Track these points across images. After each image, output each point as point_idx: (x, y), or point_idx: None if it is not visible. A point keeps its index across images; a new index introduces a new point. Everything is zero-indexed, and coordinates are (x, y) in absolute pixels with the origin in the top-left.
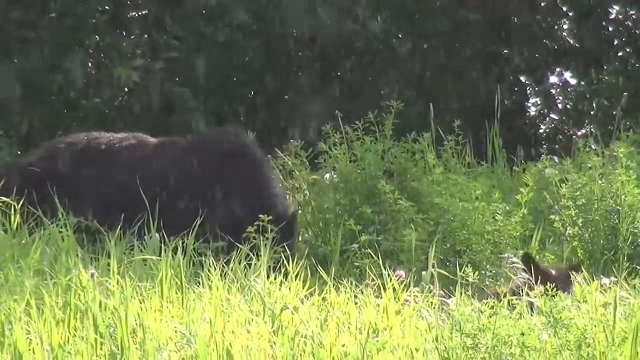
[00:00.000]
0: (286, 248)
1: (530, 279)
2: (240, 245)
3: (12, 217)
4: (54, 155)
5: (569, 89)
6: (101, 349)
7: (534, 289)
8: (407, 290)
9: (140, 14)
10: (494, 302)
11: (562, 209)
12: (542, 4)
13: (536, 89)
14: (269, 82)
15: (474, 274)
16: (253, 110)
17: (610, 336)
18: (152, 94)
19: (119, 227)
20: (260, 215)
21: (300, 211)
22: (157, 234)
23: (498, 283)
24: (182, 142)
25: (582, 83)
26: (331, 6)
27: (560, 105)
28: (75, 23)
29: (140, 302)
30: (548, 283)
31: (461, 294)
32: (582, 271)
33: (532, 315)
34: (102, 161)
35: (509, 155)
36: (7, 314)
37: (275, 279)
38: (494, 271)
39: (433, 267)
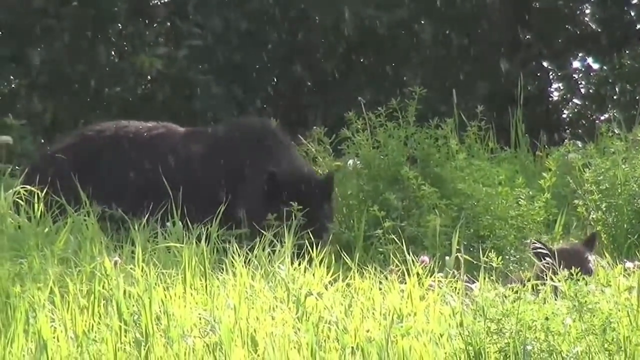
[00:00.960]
0: (326, 207)
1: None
2: (265, 233)
3: (37, 205)
4: (82, 143)
5: (591, 74)
6: (125, 336)
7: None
8: (431, 276)
9: (163, 2)
10: (518, 287)
11: (585, 194)
12: None
13: (559, 74)
14: (292, 69)
15: (497, 259)
16: (276, 97)
17: (635, 320)
18: (175, 81)
19: (145, 215)
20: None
21: None
22: (180, 222)
23: (522, 268)
24: (211, 132)
25: (605, 68)
26: None
27: (582, 90)
28: (98, 12)
29: (165, 290)
30: (563, 262)
31: (485, 279)
32: (597, 244)
33: (556, 299)
34: (130, 149)
35: (532, 140)
36: (31, 302)
37: (299, 265)
38: (517, 256)
39: (457, 252)
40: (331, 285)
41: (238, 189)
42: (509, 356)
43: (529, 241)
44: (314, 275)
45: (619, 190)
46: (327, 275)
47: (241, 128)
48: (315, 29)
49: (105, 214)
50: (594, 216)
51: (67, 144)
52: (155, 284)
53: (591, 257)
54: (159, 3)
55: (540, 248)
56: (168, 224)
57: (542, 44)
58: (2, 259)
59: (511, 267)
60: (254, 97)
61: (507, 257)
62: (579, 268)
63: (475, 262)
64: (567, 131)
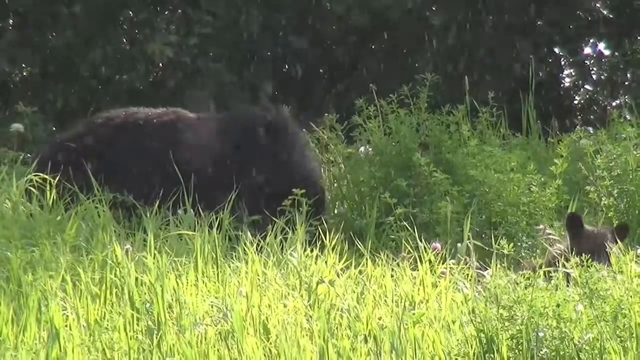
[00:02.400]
0: (318, 221)
1: (573, 241)
2: (275, 219)
3: (49, 193)
4: (92, 131)
5: (603, 60)
6: (137, 324)
7: (570, 257)
8: (443, 263)
9: None
10: (529, 274)
11: (597, 180)
12: None
13: (570, 60)
14: (304, 56)
15: (509, 245)
16: (287, 85)
17: None
18: (186, 69)
19: (156, 202)
20: (294, 190)
21: (335, 184)
22: (191, 209)
23: (534, 254)
24: (221, 118)
25: (616, 54)
26: None
27: (594, 76)
28: None
29: (177, 278)
30: (590, 245)
31: (497, 265)
32: (628, 233)
33: (568, 286)
34: (140, 136)
35: (544, 126)
36: (43, 290)
37: (311, 252)
38: (529, 243)
39: (469, 239)
40: (343, 272)
41: (247, 176)
42: (521, 343)
43: (541, 227)
44: (326, 262)
45: (631, 177)
46: (339, 262)
47: (250, 116)
48: (326, 16)
49: (117, 200)
50: (605, 202)
51: (77, 133)
52: (167, 272)
53: (611, 245)
54: None
55: (551, 234)
56: (180, 211)
57: (553, 30)
58: (14, 247)
59: (523, 254)
60: (265, 84)
61: (519, 243)
62: (591, 252)
63: (487, 249)
64: (579, 117)
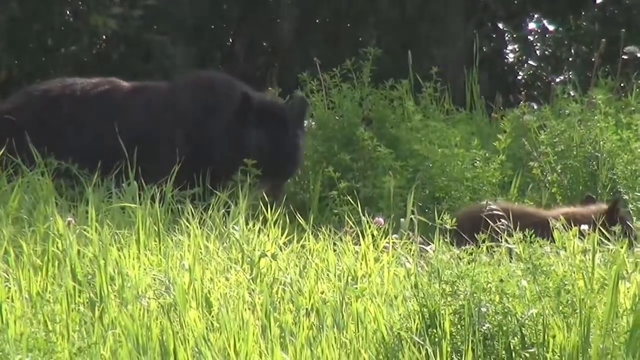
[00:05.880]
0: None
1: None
2: (218, 193)
3: None
4: (29, 102)
5: (547, 36)
6: (79, 296)
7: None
8: (386, 237)
9: None
10: (472, 249)
11: (540, 156)
12: None
13: (514, 35)
14: (247, 29)
15: (452, 220)
16: (231, 58)
17: (590, 283)
18: (131, 41)
19: (97, 174)
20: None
21: None
22: (135, 182)
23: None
24: (157, 86)
25: (561, 29)
26: None
27: (538, 52)
28: None
29: (119, 250)
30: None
31: (440, 240)
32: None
33: (511, 262)
34: (77, 107)
35: (488, 102)
36: None
37: (253, 226)
38: None
39: (412, 213)
40: (286, 246)
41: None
42: (464, 318)
43: (484, 202)
44: (268, 236)
45: (574, 152)
46: (281, 236)
47: (188, 82)
48: None
49: (61, 167)
50: (549, 178)
51: (14, 105)
52: (110, 245)
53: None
54: None
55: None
56: (123, 184)
57: (497, 4)
58: None
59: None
60: (209, 57)
61: None
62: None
63: (430, 224)
64: (523, 93)
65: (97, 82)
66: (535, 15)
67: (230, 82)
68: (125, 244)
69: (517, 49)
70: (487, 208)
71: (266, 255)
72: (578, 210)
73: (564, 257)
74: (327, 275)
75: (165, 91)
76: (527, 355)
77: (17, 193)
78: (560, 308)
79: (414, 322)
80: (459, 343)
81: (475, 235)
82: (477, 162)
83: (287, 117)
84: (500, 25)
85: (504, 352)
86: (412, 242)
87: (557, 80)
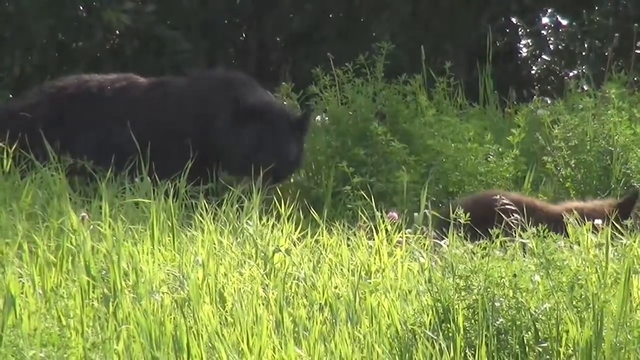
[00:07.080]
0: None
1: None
2: (232, 188)
3: (5, 160)
4: (45, 99)
5: (560, 30)
6: (93, 292)
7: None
8: (399, 232)
9: None
10: (486, 244)
11: (554, 150)
12: None
13: (528, 30)
14: (261, 24)
15: (466, 215)
16: (244, 53)
17: (603, 277)
18: (143, 36)
19: (111, 170)
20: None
21: None
22: (148, 177)
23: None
24: (174, 82)
25: (574, 24)
26: None
27: (552, 47)
28: None
29: (133, 245)
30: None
31: (454, 235)
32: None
33: (524, 256)
34: (93, 103)
35: (501, 96)
36: None
37: (267, 221)
38: None
39: (426, 208)
40: (299, 241)
41: (202, 142)
42: (477, 312)
43: (497, 197)
44: (282, 231)
45: (588, 147)
46: (295, 231)
47: (205, 78)
48: None
49: (77, 164)
50: (562, 172)
51: (31, 102)
52: (124, 240)
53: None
54: None
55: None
56: (137, 179)
57: None
58: None
59: None
60: (222, 52)
61: None
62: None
63: (444, 219)
64: (536, 87)
65: (114, 78)
66: (549, 10)
67: (243, 81)
68: (139, 240)
69: (530, 44)
70: (500, 203)
71: (280, 250)
72: (587, 204)
73: (578, 251)
74: (341, 270)
75: (183, 87)
76: (541, 349)
77: (30, 189)
78: (574, 303)
79: (428, 316)
80: (473, 338)
81: (479, 223)
82: (491, 156)
83: (276, 120)
84: (514, 20)
85: (517, 347)
86: (425, 237)
87: (571, 74)
